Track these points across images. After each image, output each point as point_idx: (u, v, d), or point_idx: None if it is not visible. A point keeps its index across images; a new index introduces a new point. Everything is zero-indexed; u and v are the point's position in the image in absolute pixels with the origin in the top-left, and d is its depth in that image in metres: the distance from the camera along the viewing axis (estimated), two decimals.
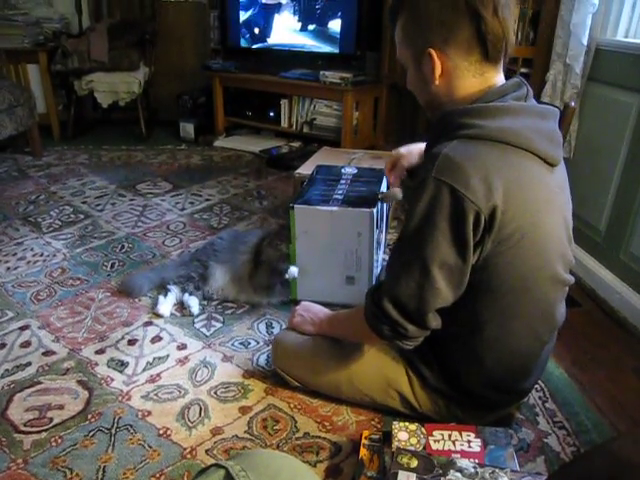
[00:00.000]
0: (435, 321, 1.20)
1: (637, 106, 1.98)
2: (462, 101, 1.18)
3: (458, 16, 1.10)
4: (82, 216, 2.81)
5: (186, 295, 1.99)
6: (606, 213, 2.14)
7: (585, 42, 2.15)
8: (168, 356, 1.74)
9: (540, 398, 1.59)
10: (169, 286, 2.02)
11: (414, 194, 1.14)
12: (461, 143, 1.11)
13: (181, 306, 2.00)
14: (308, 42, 3.87)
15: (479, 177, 1.06)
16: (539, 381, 1.59)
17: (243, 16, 4.07)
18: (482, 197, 1.06)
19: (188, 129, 4.31)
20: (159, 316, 1.93)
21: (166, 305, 1.95)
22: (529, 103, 1.18)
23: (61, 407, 1.51)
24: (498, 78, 1.19)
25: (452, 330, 1.26)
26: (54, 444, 1.39)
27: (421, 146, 1.72)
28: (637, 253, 1.99)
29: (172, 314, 1.96)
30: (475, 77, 1.17)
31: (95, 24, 4.24)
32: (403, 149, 1.77)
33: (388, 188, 2.17)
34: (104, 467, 1.32)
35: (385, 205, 2.15)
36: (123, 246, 2.49)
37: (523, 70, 2.56)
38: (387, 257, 2.22)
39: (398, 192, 2.12)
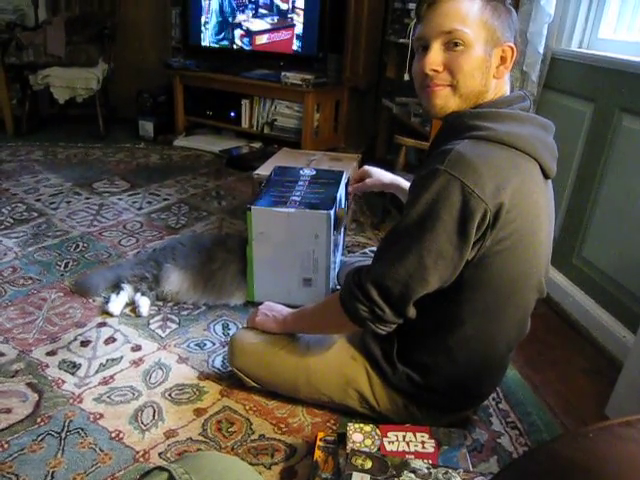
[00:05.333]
0: (412, 310, 1.21)
1: (590, 114, 2.03)
2: (481, 103, 1.21)
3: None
4: (35, 214, 2.74)
5: (138, 295, 1.96)
6: (560, 218, 2.19)
7: (541, 51, 2.20)
8: (122, 357, 1.71)
9: (494, 399, 1.61)
10: (122, 284, 1.98)
11: (420, 183, 1.14)
12: (472, 143, 1.13)
13: (135, 306, 1.96)
14: (270, 42, 3.86)
15: (489, 175, 1.08)
16: None
17: (205, 14, 4.03)
18: (490, 195, 1.08)
19: (147, 127, 4.26)
20: (110, 314, 1.90)
21: (117, 303, 1.92)
22: (533, 114, 1.22)
23: (8, 411, 1.46)
24: (507, 87, 1.24)
25: (429, 324, 1.28)
26: (0, 449, 1.34)
27: (393, 177, 1.75)
28: (589, 257, 2.04)
29: (126, 315, 1.92)
30: (495, 79, 1.21)
31: (52, 17, 4.14)
32: (374, 169, 1.78)
33: (347, 199, 2.18)
34: (53, 472, 1.28)
35: (344, 207, 2.16)
36: (78, 245, 2.43)
37: None
38: (345, 258, 2.22)
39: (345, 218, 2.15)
